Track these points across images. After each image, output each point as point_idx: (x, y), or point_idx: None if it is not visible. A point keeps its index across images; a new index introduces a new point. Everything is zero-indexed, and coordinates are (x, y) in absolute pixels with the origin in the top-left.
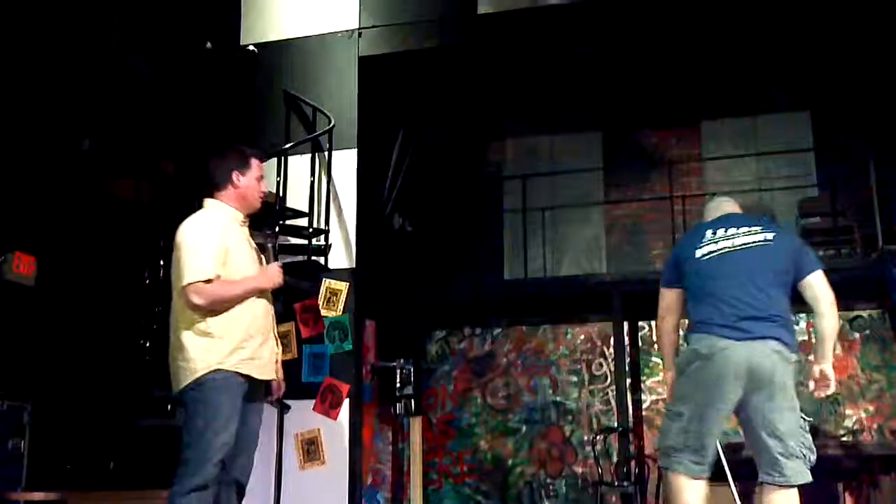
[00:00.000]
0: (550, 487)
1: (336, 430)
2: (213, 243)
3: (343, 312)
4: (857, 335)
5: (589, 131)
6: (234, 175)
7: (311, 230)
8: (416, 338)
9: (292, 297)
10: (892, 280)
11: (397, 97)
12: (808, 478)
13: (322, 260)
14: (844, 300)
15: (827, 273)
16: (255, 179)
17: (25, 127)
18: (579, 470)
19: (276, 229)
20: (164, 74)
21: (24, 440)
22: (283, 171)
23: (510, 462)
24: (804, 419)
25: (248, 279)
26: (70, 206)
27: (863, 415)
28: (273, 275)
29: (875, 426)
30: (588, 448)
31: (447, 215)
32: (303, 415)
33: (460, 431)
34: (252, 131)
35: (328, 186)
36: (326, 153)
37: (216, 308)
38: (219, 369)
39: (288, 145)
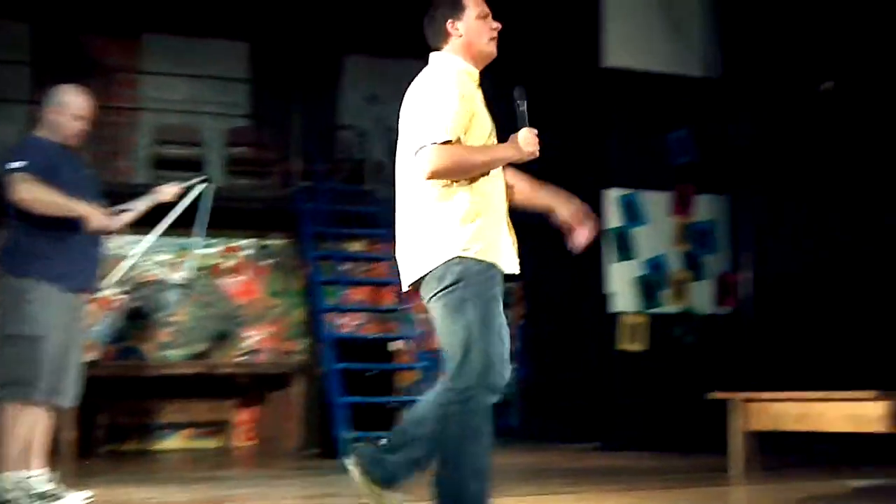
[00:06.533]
0: None
1: None
2: (457, 101)
3: None
4: (266, 262)
5: (15, 23)
6: (449, 25)
7: None
8: None
9: None
10: (302, 213)
11: None
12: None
13: None
14: (259, 228)
15: (246, 201)
16: (475, 20)
17: None
18: None
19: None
20: None
21: None
22: None
23: None
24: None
25: (497, 147)
26: None
27: (261, 337)
28: (526, 143)
29: (271, 347)
30: None
31: None
32: None
33: None
34: None
35: None
36: None
37: (456, 176)
38: (463, 256)
39: None
